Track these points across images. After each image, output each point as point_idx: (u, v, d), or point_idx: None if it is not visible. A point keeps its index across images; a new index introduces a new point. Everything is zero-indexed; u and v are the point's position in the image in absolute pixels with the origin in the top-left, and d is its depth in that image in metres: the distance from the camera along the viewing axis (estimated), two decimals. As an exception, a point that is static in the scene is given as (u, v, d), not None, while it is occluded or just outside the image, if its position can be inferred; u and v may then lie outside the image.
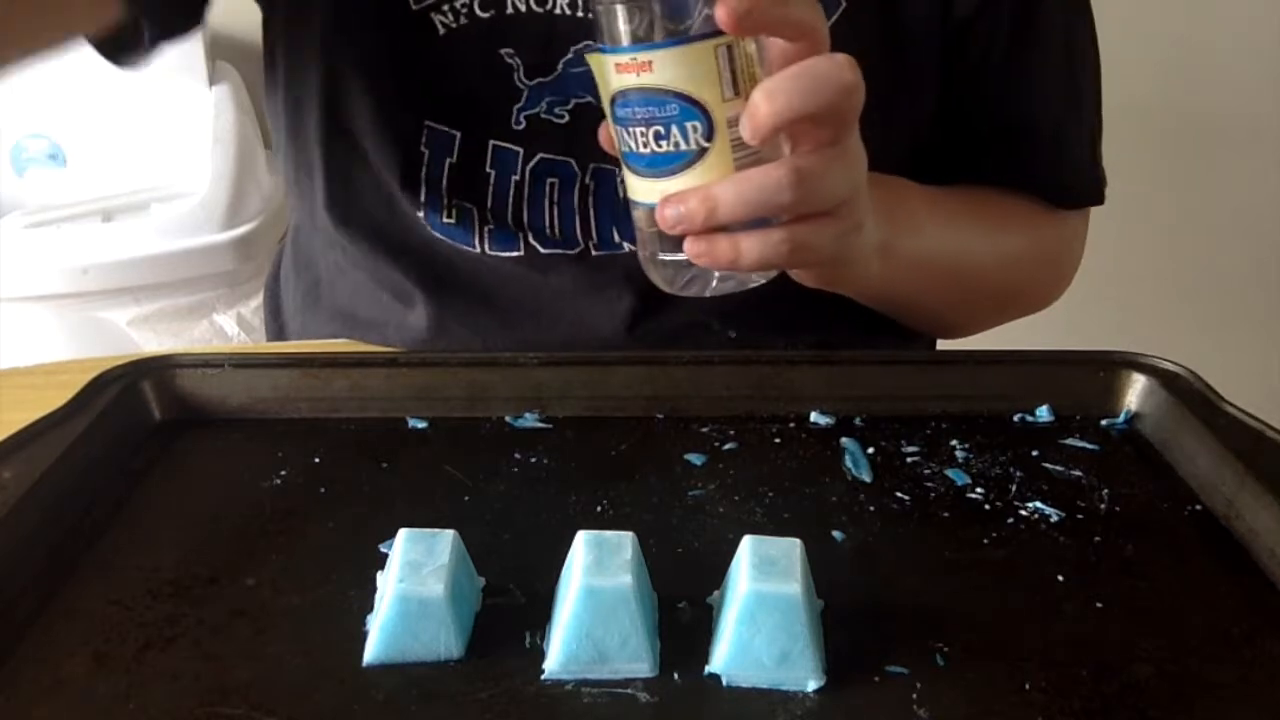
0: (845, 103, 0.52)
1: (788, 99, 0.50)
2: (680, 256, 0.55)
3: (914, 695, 0.43)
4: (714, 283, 0.57)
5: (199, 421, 0.63)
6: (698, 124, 0.52)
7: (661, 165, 0.53)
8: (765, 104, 0.50)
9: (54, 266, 1.35)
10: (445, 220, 0.74)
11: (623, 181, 0.59)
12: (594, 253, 0.74)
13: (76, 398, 0.60)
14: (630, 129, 0.53)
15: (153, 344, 1.38)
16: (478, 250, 0.75)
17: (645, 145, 0.53)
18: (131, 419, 0.62)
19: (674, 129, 0.52)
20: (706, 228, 0.53)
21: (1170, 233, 1.80)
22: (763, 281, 0.58)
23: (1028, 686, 0.44)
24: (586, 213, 0.74)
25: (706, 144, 0.52)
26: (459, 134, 0.72)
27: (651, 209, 0.54)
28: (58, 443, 0.56)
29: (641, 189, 0.55)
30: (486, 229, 0.74)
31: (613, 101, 0.53)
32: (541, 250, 0.74)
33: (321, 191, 0.77)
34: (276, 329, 0.90)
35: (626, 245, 0.74)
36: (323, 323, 0.82)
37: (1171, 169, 1.77)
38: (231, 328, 1.42)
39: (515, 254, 0.75)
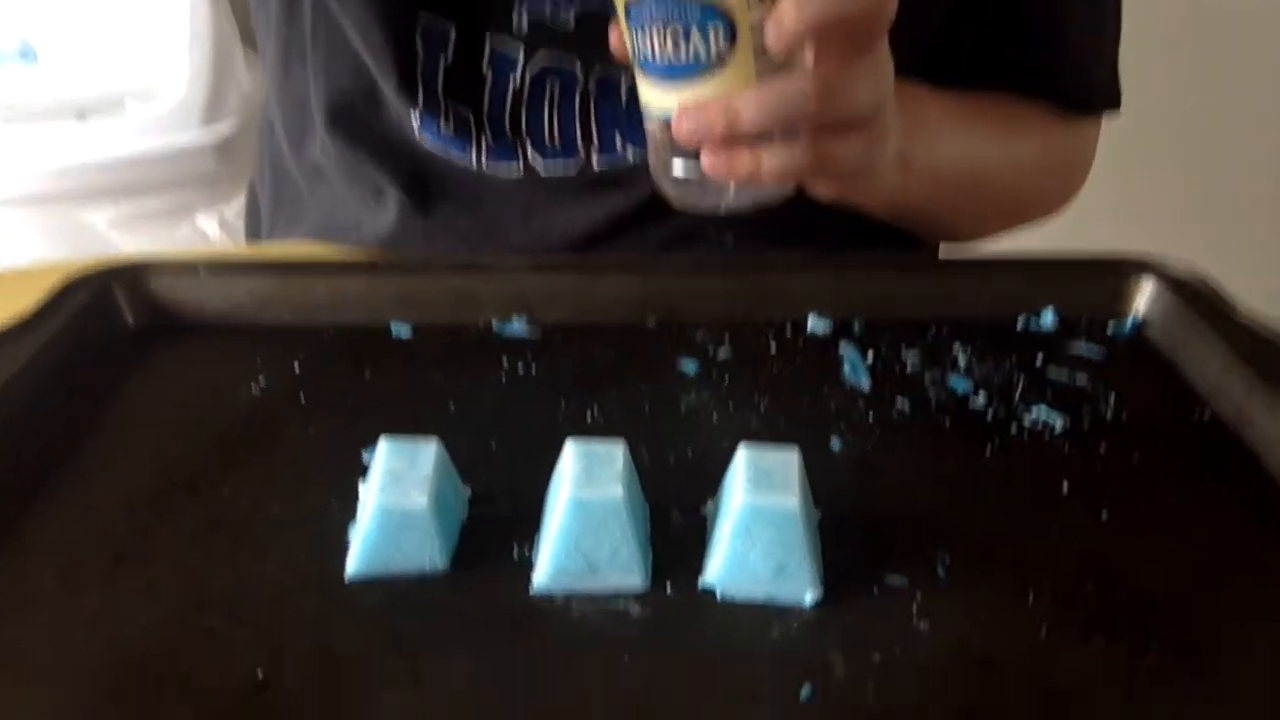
0: (878, 9, 0.49)
1: (819, 5, 0.48)
2: (695, 168, 0.53)
3: (914, 607, 0.42)
4: (729, 197, 0.55)
5: (174, 328, 0.61)
6: (719, 28, 0.49)
7: (679, 73, 0.50)
8: (794, 9, 0.48)
9: (27, 167, 1.31)
10: (443, 128, 0.71)
11: (631, 87, 0.56)
12: (595, 163, 0.71)
13: (44, 303, 0.58)
14: (646, 32, 0.50)
15: (132, 246, 1.34)
16: (474, 166, 0.72)
17: (662, 50, 0.50)
18: (103, 325, 0.59)
19: (694, 32, 0.49)
20: (726, 140, 0.51)
21: (1181, 135, 1.75)
22: (779, 198, 0.55)
23: (1032, 598, 0.42)
24: (588, 121, 0.70)
25: (727, 51, 0.49)
26: (454, 25, 0.69)
27: (667, 120, 0.52)
28: (24, 350, 0.54)
29: (656, 98, 0.52)
30: (484, 140, 0.71)
31: (627, 3, 0.50)
32: (541, 171, 0.71)
33: (317, 91, 0.74)
34: (255, 232, 0.87)
35: (629, 155, 0.71)
36: (298, 229, 0.79)
37: (1181, 71, 1.72)
38: (214, 230, 1.39)
39: (513, 172, 0.72)
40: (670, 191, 0.56)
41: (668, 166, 0.55)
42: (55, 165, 1.32)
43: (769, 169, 0.51)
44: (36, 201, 1.32)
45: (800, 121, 0.51)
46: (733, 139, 0.51)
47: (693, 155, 0.53)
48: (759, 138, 0.51)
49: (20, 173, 1.31)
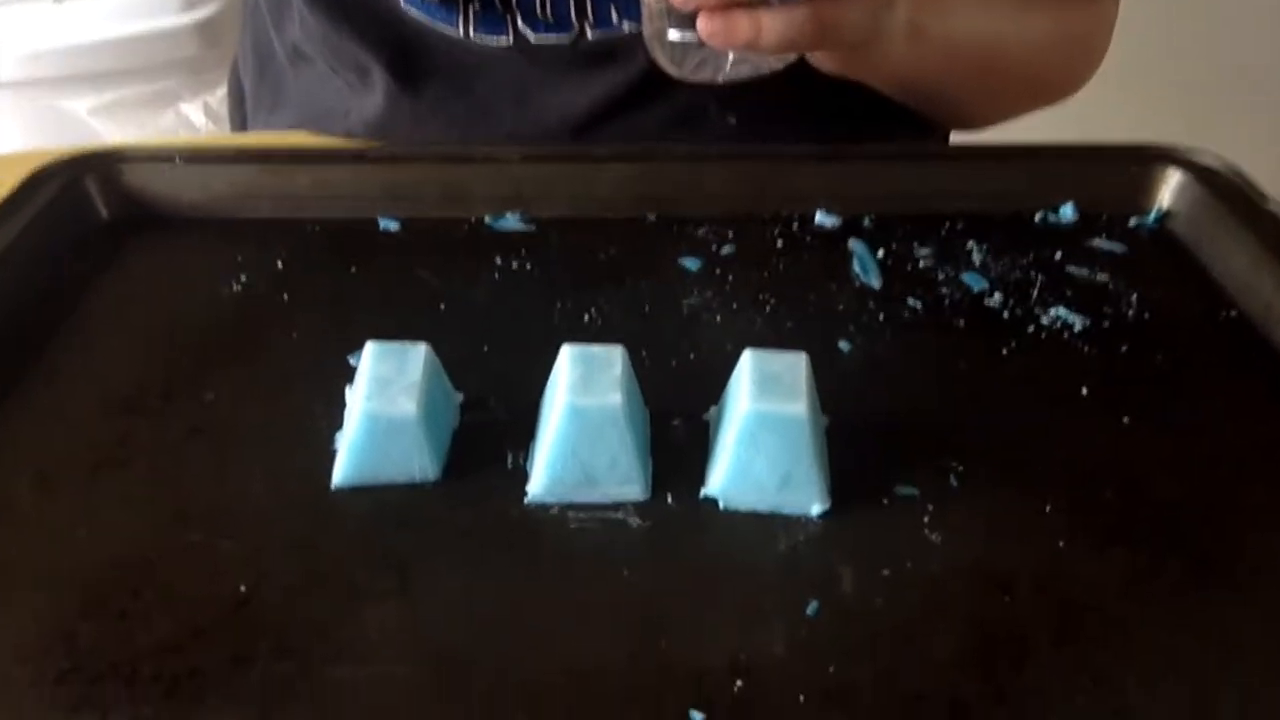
0: None
1: None
2: (691, 35, 0.50)
3: (925, 519, 0.40)
4: (727, 66, 0.53)
5: (150, 221, 0.58)
6: None
7: None
8: None
9: (4, 51, 1.27)
10: None
11: None
12: (589, 35, 0.68)
13: (12, 195, 0.55)
14: None
15: (116, 135, 1.30)
16: (461, 34, 0.68)
17: None
18: (75, 218, 0.57)
19: None
20: (724, 4, 0.48)
21: (1210, 12, 1.67)
22: (779, 67, 0.53)
23: (1048, 508, 0.41)
24: None
25: None
26: None
27: None
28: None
29: None
30: (472, 9, 0.67)
31: None
32: (532, 39, 0.68)
33: None
34: (240, 120, 0.84)
35: (626, 25, 0.67)
36: (283, 117, 0.76)
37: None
38: (199, 118, 1.34)
39: (503, 41, 0.68)
40: (665, 61, 0.54)
41: (662, 34, 0.52)
42: (32, 49, 1.27)
43: (769, 35, 0.49)
44: (13, 87, 1.28)
45: None
46: (732, 3, 0.48)
47: (689, 22, 0.50)
48: (759, 1, 0.49)
49: (-4, 58, 1.27)
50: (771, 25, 0.49)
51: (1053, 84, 0.75)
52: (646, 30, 0.53)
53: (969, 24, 0.65)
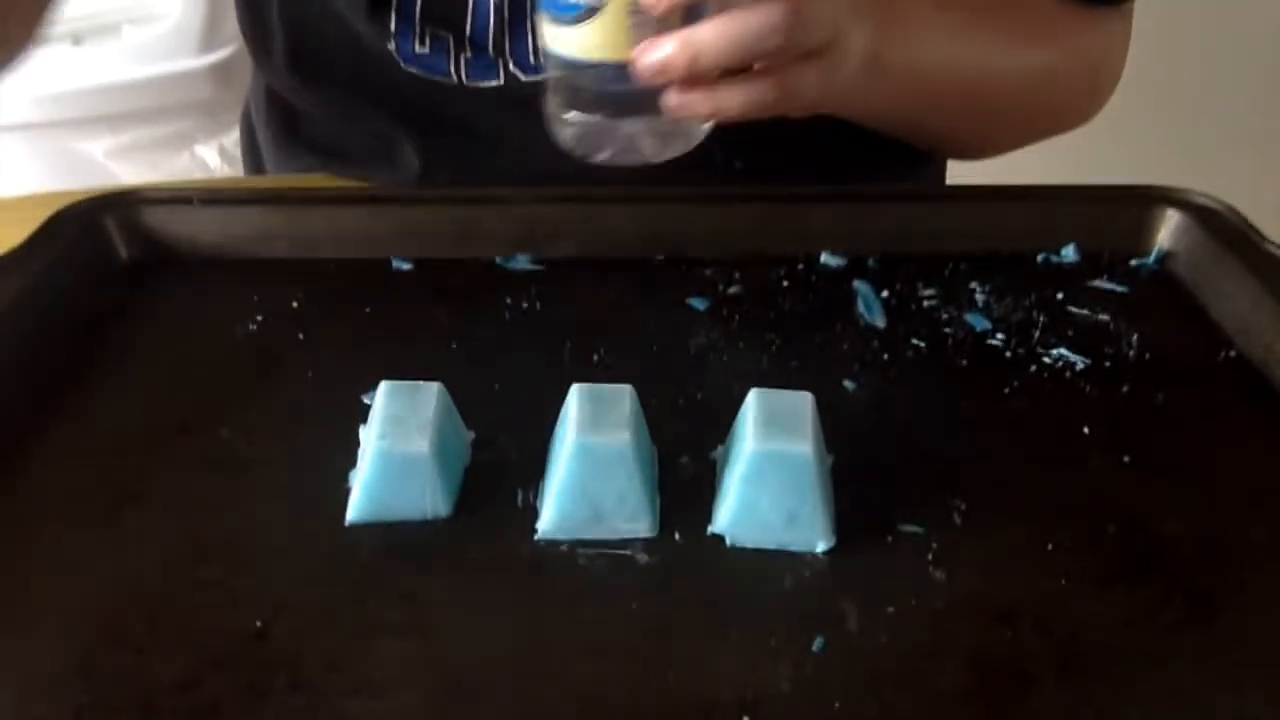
0: None
1: None
2: (590, 118, 0.50)
3: (929, 556, 0.41)
4: (646, 150, 0.52)
5: (168, 261, 0.59)
6: None
7: (563, 11, 0.48)
8: None
9: (21, 93, 1.29)
10: (419, 49, 0.68)
11: None
12: None
13: (34, 236, 0.56)
14: None
15: (131, 176, 1.32)
16: (454, 80, 0.69)
17: None
18: (95, 259, 0.58)
19: None
20: (688, 78, 0.48)
21: (1206, 55, 1.69)
22: (694, 144, 0.53)
23: (1050, 545, 0.41)
24: None
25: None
26: None
27: (559, 58, 0.49)
28: (14, 285, 0.52)
29: (548, 35, 0.50)
30: (463, 57, 0.69)
31: None
32: (523, 78, 0.69)
33: (281, 53, 0.71)
34: (254, 163, 0.85)
35: None
36: (300, 156, 0.77)
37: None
38: (214, 160, 1.36)
39: (494, 83, 0.69)
40: (565, 137, 0.53)
41: (560, 112, 0.52)
42: (50, 91, 1.29)
43: (728, 106, 0.49)
44: (30, 129, 1.30)
45: (766, 57, 0.48)
46: (695, 79, 0.48)
47: (589, 101, 0.50)
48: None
49: (15, 99, 1.29)
50: (729, 97, 0.49)
51: (1060, 116, 0.73)
52: (548, 106, 0.53)
53: (946, 55, 0.64)
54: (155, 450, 0.46)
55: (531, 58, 0.68)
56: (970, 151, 0.75)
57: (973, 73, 0.67)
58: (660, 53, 0.47)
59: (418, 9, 0.67)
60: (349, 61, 0.70)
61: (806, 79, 0.50)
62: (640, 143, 0.52)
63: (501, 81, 0.69)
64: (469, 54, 0.68)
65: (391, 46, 0.68)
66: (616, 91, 0.49)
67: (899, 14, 0.60)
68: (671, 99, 0.49)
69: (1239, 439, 0.47)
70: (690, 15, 0.48)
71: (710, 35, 0.47)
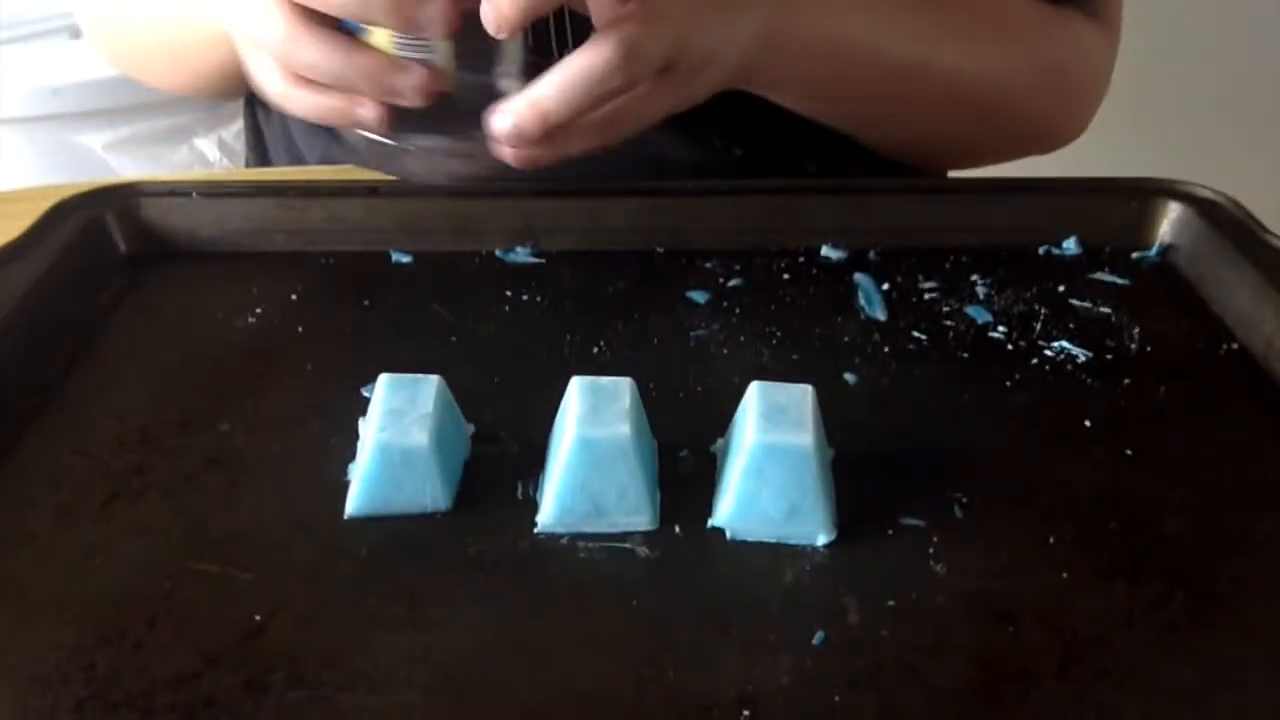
0: None
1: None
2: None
3: (930, 550, 0.41)
4: (443, 164, 0.53)
5: (167, 255, 0.59)
6: None
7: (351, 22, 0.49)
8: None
9: (20, 87, 1.28)
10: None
11: None
12: None
13: (32, 229, 0.56)
14: None
15: (130, 169, 1.32)
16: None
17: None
18: (94, 252, 0.58)
19: None
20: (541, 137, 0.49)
21: (1208, 47, 1.68)
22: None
23: (1051, 540, 0.41)
24: (563, 24, 0.67)
25: None
26: None
27: None
28: (12, 279, 0.52)
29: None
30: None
31: None
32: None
33: None
34: (259, 152, 0.84)
35: None
36: (314, 134, 0.76)
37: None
38: (213, 153, 1.35)
39: None
40: (360, 146, 0.54)
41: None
42: (49, 84, 1.28)
43: (575, 150, 0.51)
44: (29, 122, 1.29)
45: (610, 99, 0.49)
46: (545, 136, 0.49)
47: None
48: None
49: (13, 92, 1.28)
50: (577, 143, 0.50)
51: (1036, 121, 0.71)
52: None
53: (874, 33, 0.61)
54: (154, 444, 0.46)
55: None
56: (944, 159, 0.73)
57: (912, 58, 0.63)
58: (509, 121, 0.48)
59: None
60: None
61: (650, 104, 0.51)
62: (437, 161, 0.53)
63: None
64: None
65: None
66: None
67: None
68: (516, 156, 0.50)
69: (1241, 432, 0.47)
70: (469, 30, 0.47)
71: (554, 92, 0.48)
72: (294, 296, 0.55)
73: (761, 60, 0.56)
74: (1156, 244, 0.59)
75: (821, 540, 0.41)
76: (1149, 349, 0.52)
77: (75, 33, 1.38)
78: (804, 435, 0.40)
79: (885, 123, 0.68)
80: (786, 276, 0.57)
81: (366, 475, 0.41)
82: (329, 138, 0.76)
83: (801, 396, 0.42)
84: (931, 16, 0.64)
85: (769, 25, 0.56)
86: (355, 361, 0.50)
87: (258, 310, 0.54)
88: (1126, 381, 0.50)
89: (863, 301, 0.55)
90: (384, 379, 0.43)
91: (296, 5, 0.48)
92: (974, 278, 0.57)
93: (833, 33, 0.60)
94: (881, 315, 0.54)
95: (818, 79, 0.61)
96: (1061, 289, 0.56)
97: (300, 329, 0.53)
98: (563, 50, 0.49)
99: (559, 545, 0.41)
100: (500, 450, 0.45)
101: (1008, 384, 0.50)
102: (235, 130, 1.35)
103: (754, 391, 0.42)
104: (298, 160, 0.78)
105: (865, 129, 0.68)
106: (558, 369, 0.46)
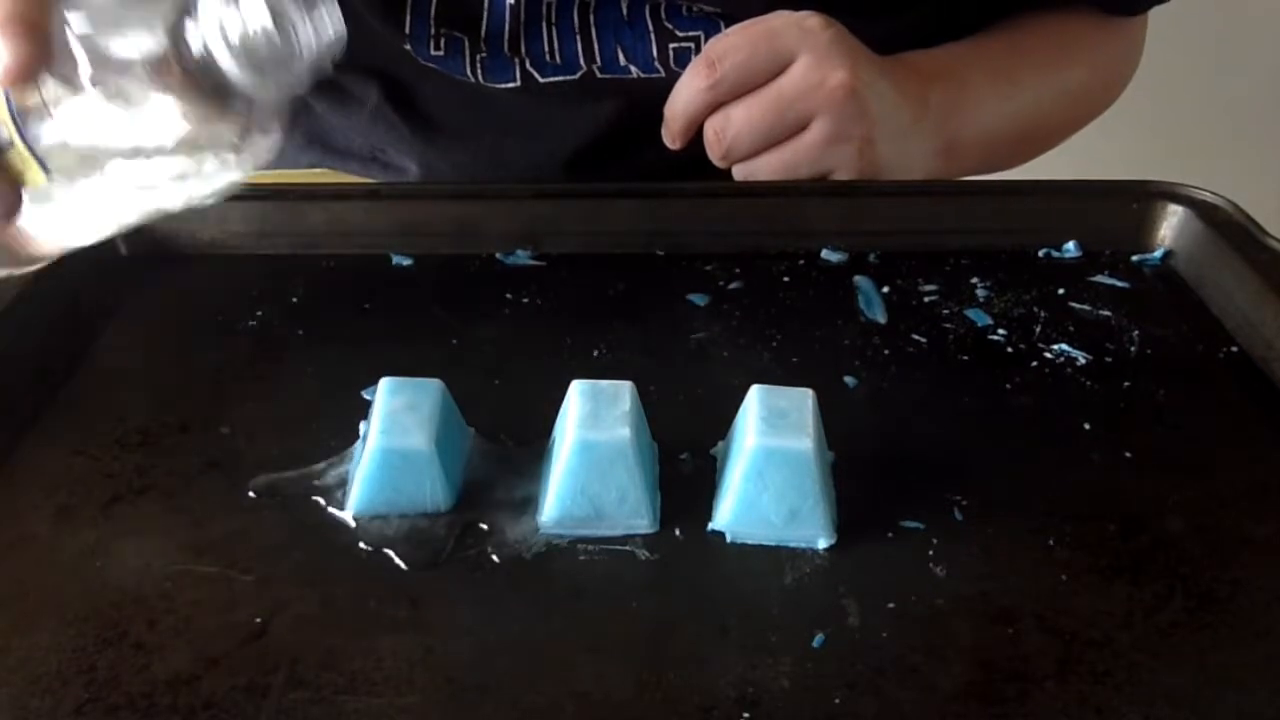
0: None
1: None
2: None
3: (930, 552, 0.41)
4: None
5: (168, 257, 0.59)
6: None
7: None
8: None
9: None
10: (434, 52, 0.68)
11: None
12: (597, 76, 0.69)
13: (33, 232, 0.56)
14: None
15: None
16: (472, 80, 0.69)
17: None
18: (95, 254, 0.57)
19: None
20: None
21: (1209, 50, 1.68)
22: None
23: (1051, 542, 0.41)
24: (589, 33, 0.68)
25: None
26: None
27: None
28: (12, 281, 0.52)
29: None
30: (479, 58, 0.69)
31: None
32: (540, 79, 0.69)
33: None
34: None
35: (633, 69, 0.68)
36: (299, 149, 0.77)
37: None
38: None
39: (512, 85, 0.69)
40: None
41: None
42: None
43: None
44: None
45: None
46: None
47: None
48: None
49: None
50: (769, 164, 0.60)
51: (1084, 121, 0.76)
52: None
53: (1007, 113, 0.68)
54: (154, 446, 0.46)
55: (548, 57, 0.68)
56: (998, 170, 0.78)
57: (1027, 118, 0.71)
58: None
59: (433, 8, 0.67)
60: (365, 59, 0.70)
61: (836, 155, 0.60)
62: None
63: (519, 82, 0.69)
64: (485, 54, 0.68)
65: (408, 48, 0.68)
66: None
67: (964, 96, 0.66)
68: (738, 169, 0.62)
69: (1240, 435, 0.47)
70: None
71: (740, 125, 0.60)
72: (295, 299, 0.55)
73: (938, 171, 0.65)
74: (1157, 247, 0.59)
75: (821, 543, 0.41)
76: (1149, 352, 0.52)
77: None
78: (804, 440, 0.40)
79: (1004, 165, 0.75)
80: (786, 279, 0.57)
81: (367, 478, 0.41)
82: (323, 150, 0.76)
83: (802, 400, 0.42)
84: (1030, 64, 0.71)
85: (941, 143, 0.64)
86: (356, 364, 0.50)
87: (258, 313, 0.54)
88: (1126, 384, 0.50)
89: (863, 304, 0.55)
90: (385, 382, 0.43)
91: None
92: (974, 280, 0.57)
93: (987, 129, 0.68)
94: (881, 318, 0.54)
95: (973, 163, 0.69)
96: (1061, 292, 0.56)
97: (301, 332, 0.53)
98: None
99: (559, 548, 0.41)
100: (500, 453, 0.45)
101: (1008, 386, 0.50)
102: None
103: (754, 395, 0.42)
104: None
105: (983, 171, 0.75)
106: (558, 371, 0.46)
